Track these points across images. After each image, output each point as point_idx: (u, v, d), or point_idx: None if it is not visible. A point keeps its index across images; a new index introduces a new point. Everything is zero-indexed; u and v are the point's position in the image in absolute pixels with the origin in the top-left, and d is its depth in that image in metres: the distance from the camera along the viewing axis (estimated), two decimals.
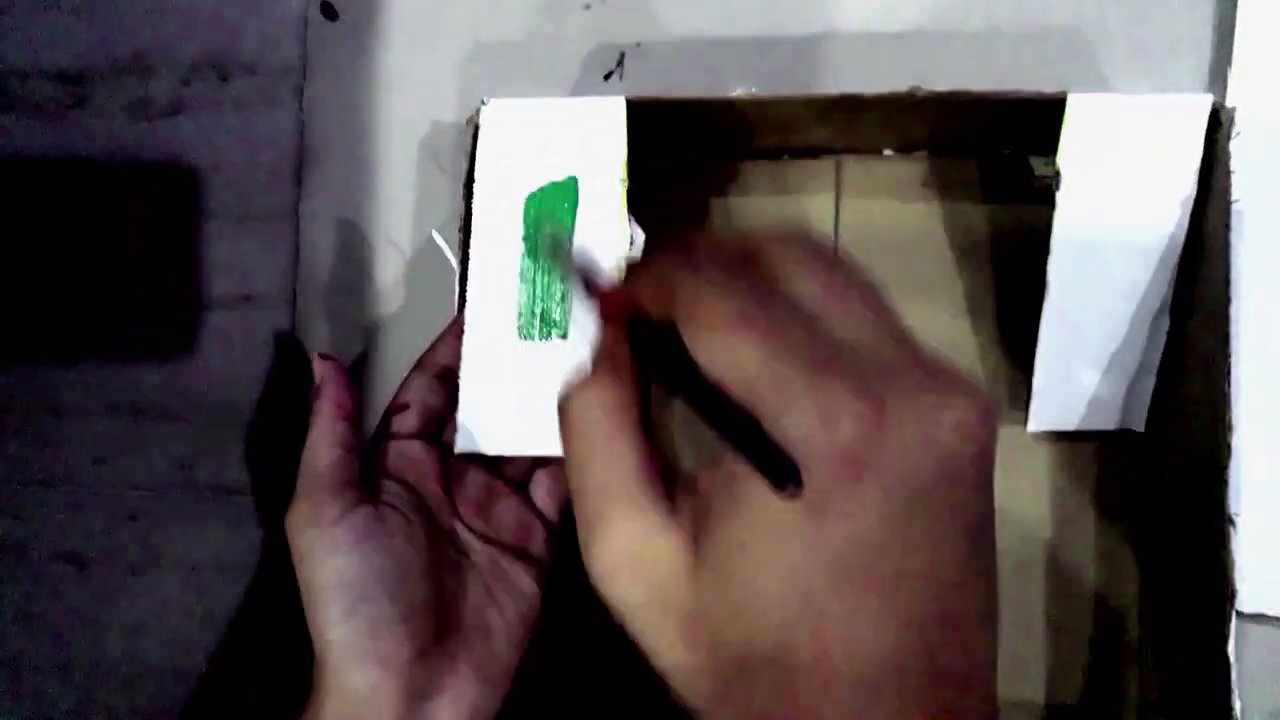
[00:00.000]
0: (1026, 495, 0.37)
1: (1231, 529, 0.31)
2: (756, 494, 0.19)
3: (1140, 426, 0.35)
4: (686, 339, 0.21)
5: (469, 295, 0.33)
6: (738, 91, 0.32)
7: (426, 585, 0.30)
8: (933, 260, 0.37)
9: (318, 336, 0.41)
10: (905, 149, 0.37)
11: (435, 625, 0.30)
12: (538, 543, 0.33)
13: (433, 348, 0.34)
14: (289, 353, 0.41)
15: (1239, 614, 0.34)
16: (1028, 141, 0.33)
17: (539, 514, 0.33)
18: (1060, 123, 0.32)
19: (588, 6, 0.40)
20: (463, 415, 0.32)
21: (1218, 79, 0.36)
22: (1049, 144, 0.32)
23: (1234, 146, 0.32)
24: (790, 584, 0.19)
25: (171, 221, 0.42)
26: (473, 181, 0.34)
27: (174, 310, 0.42)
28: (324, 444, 0.31)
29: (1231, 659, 0.30)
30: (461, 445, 0.32)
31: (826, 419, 0.19)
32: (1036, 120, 0.32)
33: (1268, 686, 0.33)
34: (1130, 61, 0.37)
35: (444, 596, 0.31)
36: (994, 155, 0.37)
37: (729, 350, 0.20)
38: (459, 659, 0.30)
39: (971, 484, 0.20)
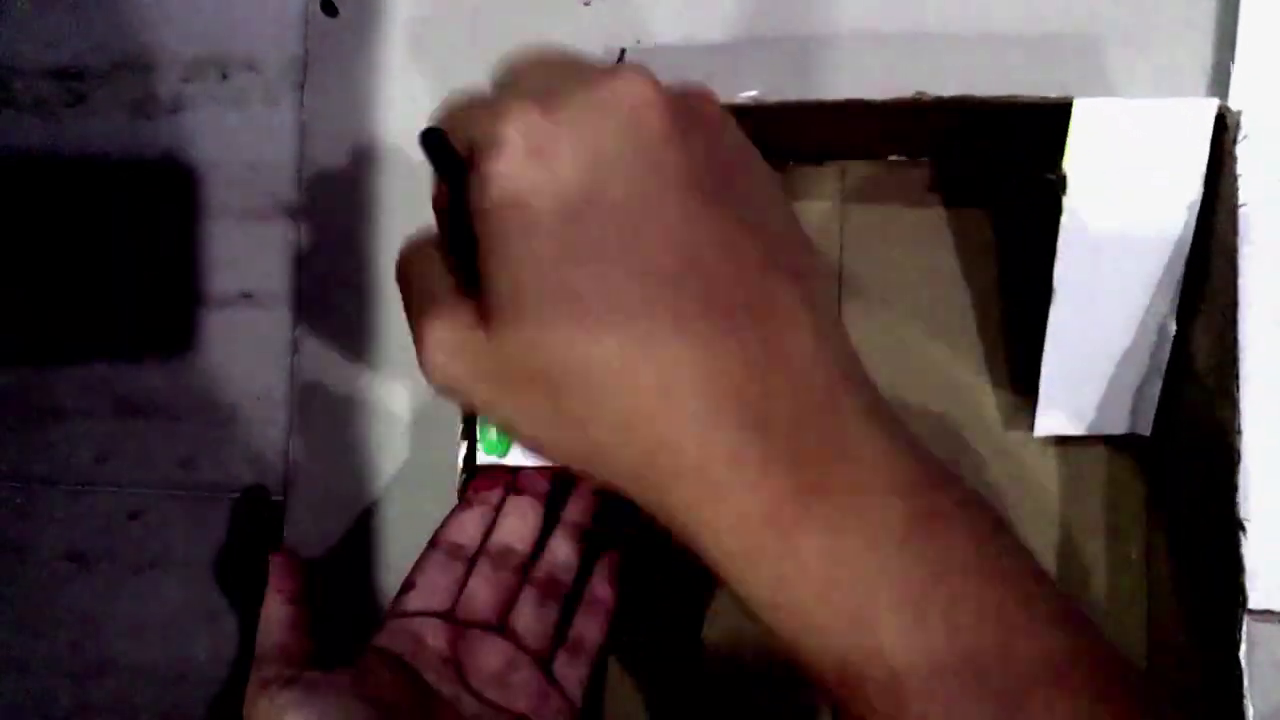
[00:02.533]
0: (1033, 500, 0.36)
1: (1242, 534, 0.31)
2: (484, 238, 0.21)
3: (1147, 431, 0.34)
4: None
5: None
6: (742, 96, 0.32)
7: None
8: (938, 265, 0.37)
9: (317, 334, 0.41)
10: (910, 154, 0.37)
11: None
12: (555, 710, 0.33)
13: (445, 524, 0.34)
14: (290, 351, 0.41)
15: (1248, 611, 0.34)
16: (1033, 146, 0.33)
17: (561, 689, 0.33)
18: (1065, 127, 0.32)
19: (587, 3, 0.40)
20: (481, 423, 0.32)
21: (1221, 80, 0.36)
22: (1055, 149, 0.32)
23: (1240, 149, 0.32)
24: (540, 289, 0.20)
25: (171, 219, 0.42)
26: None
27: (174, 308, 0.42)
28: (272, 626, 0.32)
29: (1244, 665, 0.30)
30: (481, 458, 0.32)
31: (497, 120, 0.21)
32: (1042, 125, 0.32)
33: (1272, 684, 0.33)
34: (1132, 63, 0.37)
35: None
36: (999, 160, 0.36)
37: (453, 119, 0.23)
38: None
39: (667, 139, 0.21)
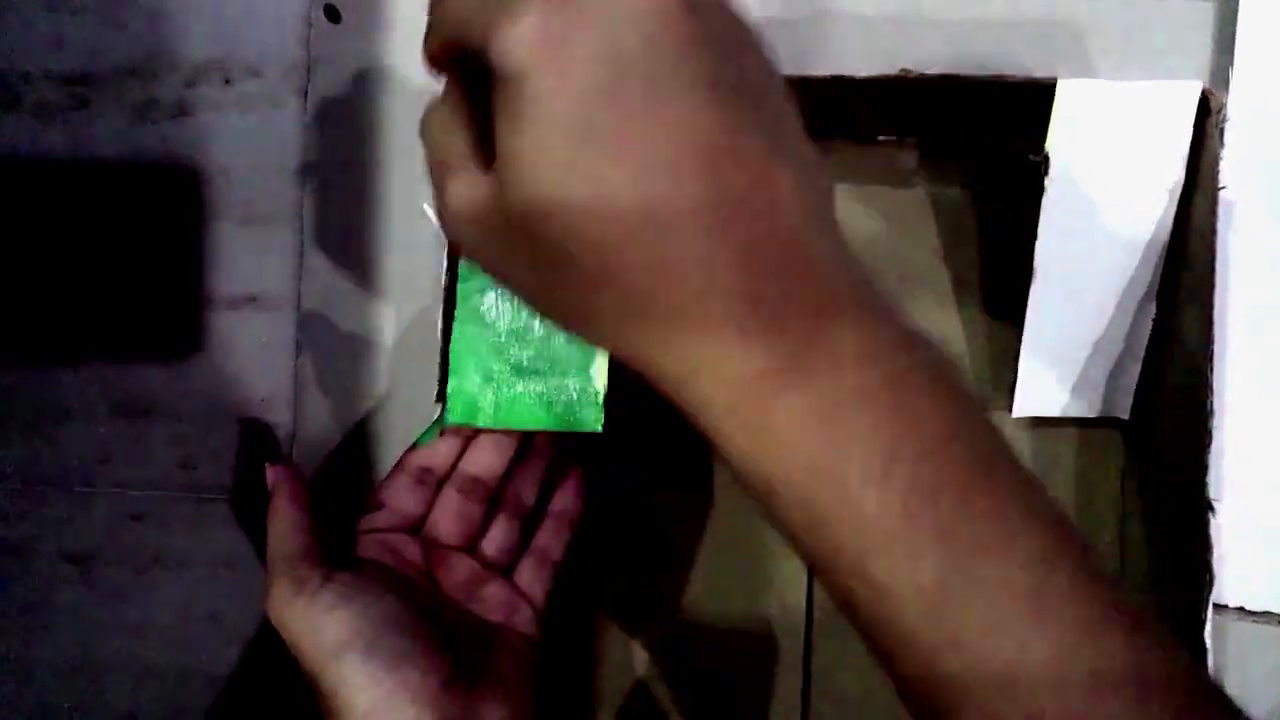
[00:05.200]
0: None
1: (1211, 515, 0.31)
2: (500, 114, 0.22)
3: (1124, 414, 0.35)
4: None
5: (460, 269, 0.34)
6: None
7: (428, 630, 0.30)
8: (922, 245, 0.38)
9: (321, 337, 0.41)
10: (897, 134, 0.38)
11: (449, 665, 0.30)
12: (524, 619, 0.34)
13: (415, 448, 0.35)
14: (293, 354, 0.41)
15: (1225, 607, 0.34)
16: (1018, 127, 0.34)
17: (525, 596, 0.34)
18: (1050, 108, 0.32)
19: None
20: (453, 388, 0.33)
21: (1218, 70, 0.36)
22: (1039, 130, 0.32)
23: (1231, 136, 0.32)
24: (554, 163, 0.21)
25: (176, 223, 0.42)
26: None
27: (178, 311, 0.42)
28: (289, 529, 0.32)
29: (1209, 644, 0.30)
30: (451, 419, 0.34)
31: (513, 16, 0.21)
32: (1027, 105, 0.33)
33: (1243, 679, 0.33)
34: (1127, 53, 0.37)
35: (446, 645, 0.31)
36: (984, 141, 0.37)
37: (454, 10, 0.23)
38: (482, 696, 0.30)
39: (688, 39, 0.21)
